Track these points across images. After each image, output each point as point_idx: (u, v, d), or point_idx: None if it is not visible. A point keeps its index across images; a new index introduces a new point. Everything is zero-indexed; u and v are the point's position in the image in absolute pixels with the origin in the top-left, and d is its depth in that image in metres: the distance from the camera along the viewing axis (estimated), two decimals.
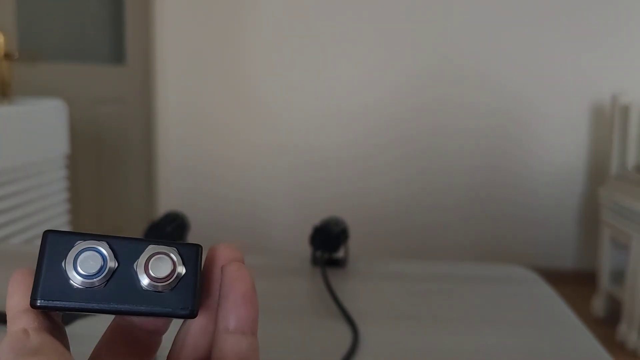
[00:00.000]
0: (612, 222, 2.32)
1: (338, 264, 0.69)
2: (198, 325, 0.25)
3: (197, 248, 0.23)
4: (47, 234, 0.22)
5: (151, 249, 0.23)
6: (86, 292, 0.22)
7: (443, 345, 0.52)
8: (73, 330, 0.43)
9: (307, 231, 0.69)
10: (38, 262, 0.22)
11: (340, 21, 2.83)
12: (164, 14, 2.90)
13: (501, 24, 2.76)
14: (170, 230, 0.65)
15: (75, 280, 0.22)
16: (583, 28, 2.72)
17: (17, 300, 0.22)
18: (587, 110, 2.78)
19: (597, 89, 2.75)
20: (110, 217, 2.66)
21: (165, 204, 3.02)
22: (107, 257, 0.22)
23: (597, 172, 2.76)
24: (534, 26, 2.74)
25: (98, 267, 0.22)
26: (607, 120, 2.60)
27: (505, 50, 2.77)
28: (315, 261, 0.69)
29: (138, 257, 0.22)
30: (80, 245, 0.22)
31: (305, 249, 0.70)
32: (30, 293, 0.22)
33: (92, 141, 2.49)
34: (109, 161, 2.63)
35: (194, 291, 0.23)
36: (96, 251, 0.22)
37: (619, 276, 2.33)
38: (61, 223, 1.81)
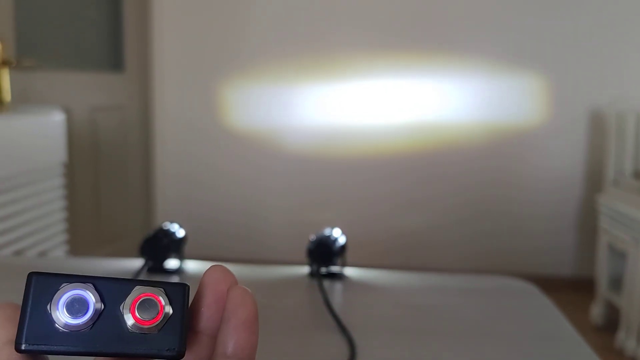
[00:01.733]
0: (609, 229, 2.32)
1: (335, 276, 0.69)
2: None
3: (184, 287, 0.23)
4: (31, 276, 0.22)
5: (138, 290, 0.22)
6: (71, 335, 0.22)
7: (439, 358, 0.51)
8: None
9: (305, 241, 0.69)
10: (23, 304, 0.22)
11: (340, 32, 2.84)
12: (162, 21, 2.91)
13: (499, 29, 2.77)
14: (166, 242, 0.65)
15: (61, 323, 0.21)
16: (580, 35, 2.73)
17: (2, 334, 0.22)
18: (584, 117, 2.78)
19: (594, 96, 2.76)
20: (108, 225, 2.66)
21: (162, 212, 3.02)
22: (93, 300, 0.22)
23: (595, 179, 2.77)
24: (531, 32, 2.75)
25: (84, 310, 0.22)
26: (605, 127, 2.60)
27: (502, 57, 2.78)
28: (312, 274, 0.69)
29: (124, 299, 0.22)
30: (65, 287, 0.22)
31: (303, 259, 0.70)
32: (14, 329, 0.21)
33: (90, 149, 2.49)
34: (107, 169, 2.63)
35: (180, 332, 0.23)
36: (82, 294, 0.22)
37: (617, 283, 2.33)
38: (58, 231, 1.81)
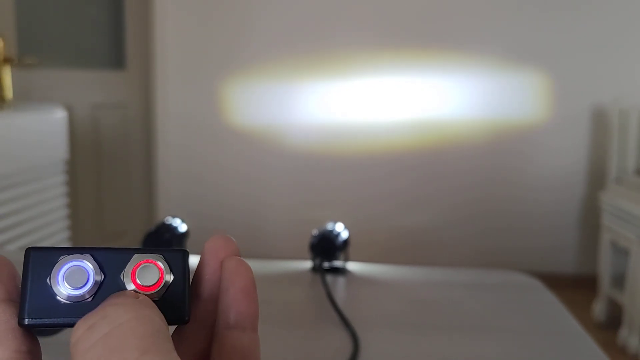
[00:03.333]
0: (612, 226, 2.32)
1: (338, 271, 0.69)
2: (191, 328, 0.24)
3: (184, 254, 0.23)
4: (29, 251, 0.22)
5: (137, 257, 0.22)
6: (74, 306, 0.21)
7: (443, 354, 0.51)
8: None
9: (308, 237, 0.69)
10: (22, 280, 0.21)
11: (342, 30, 2.83)
12: (163, 18, 2.91)
13: (500, 25, 2.76)
14: (168, 237, 0.65)
15: (62, 295, 0.21)
16: (583, 32, 2.72)
17: None
18: (587, 114, 2.78)
19: (596, 93, 2.75)
20: (110, 222, 2.66)
21: (164, 209, 3.02)
22: (93, 270, 0.22)
23: (597, 176, 2.76)
24: (534, 28, 2.74)
25: (84, 280, 0.21)
26: (607, 124, 2.60)
27: (504, 53, 2.77)
28: (315, 268, 0.68)
29: (124, 267, 0.22)
30: (64, 259, 0.22)
31: (306, 255, 0.69)
32: (5, 285, 0.21)
33: (91, 146, 2.49)
34: (109, 166, 2.63)
35: (183, 298, 0.23)
36: (81, 265, 0.22)
37: (619, 280, 2.32)
38: (60, 228, 1.81)
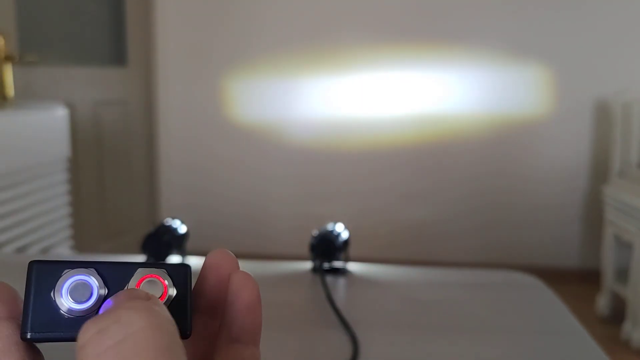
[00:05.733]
0: (615, 220, 2.31)
1: (338, 271, 0.69)
2: (189, 341, 0.24)
3: (186, 268, 0.23)
4: (32, 264, 0.22)
5: (140, 272, 0.22)
6: (77, 320, 0.21)
7: (443, 354, 0.51)
8: None
9: (309, 234, 0.69)
10: (26, 293, 0.21)
11: (340, 27, 2.83)
12: (165, 14, 2.90)
13: (503, 20, 2.75)
14: (167, 239, 0.65)
15: (65, 309, 0.21)
16: (587, 24, 2.71)
17: None
18: (590, 107, 2.76)
19: (599, 87, 2.74)
20: (113, 220, 2.66)
21: (167, 206, 3.02)
22: (97, 284, 0.22)
23: (601, 170, 2.75)
24: (537, 22, 2.73)
25: (88, 295, 0.21)
26: (610, 118, 2.59)
27: (507, 47, 2.76)
28: (315, 269, 0.68)
29: (128, 282, 0.22)
30: (68, 274, 0.22)
31: (308, 253, 0.69)
32: (6, 304, 0.21)
33: (94, 143, 2.49)
34: (111, 163, 2.63)
35: (185, 312, 0.23)
36: (85, 279, 0.22)
37: (623, 274, 2.32)
38: (63, 226, 1.81)
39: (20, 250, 1.58)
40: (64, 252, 1.77)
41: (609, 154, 2.53)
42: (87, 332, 0.19)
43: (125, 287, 0.22)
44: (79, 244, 2.12)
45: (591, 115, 2.77)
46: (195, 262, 0.71)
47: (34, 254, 1.56)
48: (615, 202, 2.31)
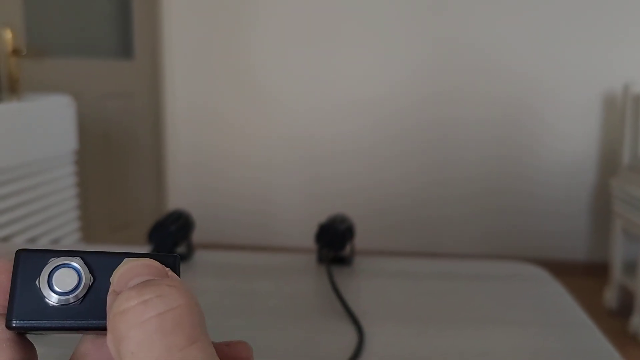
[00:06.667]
0: (624, 213, 2.30)
1: (344, 262, 0.68)
2: None
3: (175, 259, 0.23)
4: (19, 252, 0.21)
5: (127, 261, 0.22)
6: (62, 309, 0.21)
7: (449, 346, 0.51)
8: None
9: (316, 226, 0.69)
10: (12, 282, 0.21)
11: (347, 12, 2.81)
12: (171, 7, 2.90)
13: (511, 11, 2.73)
14: (173, 229, 0.65)
15: (51, 298, 0.21)
16: (595, 16, 2.68)
17: None
18: (598, 99, 2.75)
19: (609, 78, 2.72)
20: (120, 213, 2.67)
21: (174, 199, 3.03)
22: (82, 273, 0.21)
23: (609, 163, 2.74)
24: (545, 13, 2.71)
25: (74, 283, 0.21)
26: (619, 110, 2.57)
27: (515, 38, 2.74)
28: (320, 259, 0.68)
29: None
30: (53, 262, 0.21)
31: (314, 244, 0.69)
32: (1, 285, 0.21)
33: (100, 136, 2.50)
34: (118, 156, 2.64)
35: None
36: (71, 267, 0.21)
37: (631, 267, 2.31)
38: (70, 219, 1.82)
39: (30, 241, 1.59)
40: (72, 244, 1.78)
41: (617, 147, 2.51)
42: (130, 300, 0.19)
43: (111, 277, 0.22)
44: (87, 236, 2.13)
45: (600, 108, 2.75)
46: (201, 253, 0.71)
47: (45, 244, 1.57)
48: (624, 195, 2.29)
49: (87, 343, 0.23)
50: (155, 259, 0.22)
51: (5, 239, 1.53)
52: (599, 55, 2.71)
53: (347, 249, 0.68)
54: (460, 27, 2.76)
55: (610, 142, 2.74)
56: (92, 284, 0.22)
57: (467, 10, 2.74)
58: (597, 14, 2.68)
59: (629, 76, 2.63)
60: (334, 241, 0.66)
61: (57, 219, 1.75)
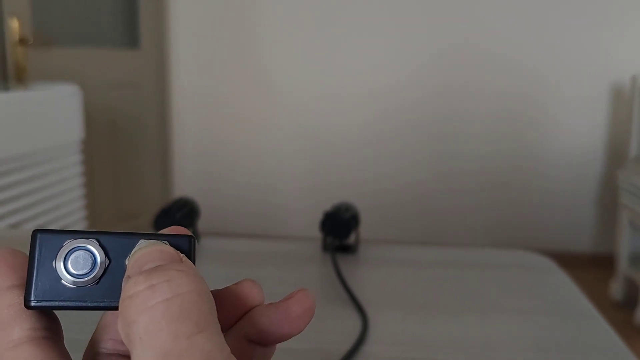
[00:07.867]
0: (630, 204, 2.29)
1: (349, 250, 0.68)
2: None
3: (190, 239, 0.23)
4: (35, 233, 0.22)
5: (142, 243, 0.22)
6: (79, 290, 0.22)
7: (453, 334, 0.51)
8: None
9: (320, 215, 0.69)
10: (29, 262, 0.22)
11: (355, 4, 2.80)
12: None
13: (518, 4, 2.71)
14: (179, 217, 0.65)
15: (67, 279, 0.21)
16: (602, 7, 2.66)
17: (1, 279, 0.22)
18: (606, 91, 2.73)
19: (616, 70, 2.70)
20: (126, 202, 2.68)
21: (180, 188, 3.04)
22: (98, 255, 0.22)
23: (616, 154, 2.72)
24: (552, 6, 2.69)
25: (89, 265, 0.22)
26: (627, 102, 2.55)
27: (522, 31, 2.72)
28: (325, 247, 0.68)
29: (129, 252, 0.22)
30: (69, 244, 0.22)
31: (319, 234, 0.69)
32: (12, 273, 0.22)
33: (106, 126, 2.50)
34: (124, 146, 2.64)
35: None
36: (86, 249, 0.22)
37: (637, 259, 2.30)
38: (76, 208, 1.83)
39: None
40: None
41: (624, 139, 2.50)
42: (138, 284, 0.19)
43: (127, 258, 0.22)
44: (93, 225, 2.14)
45: (607, 99, 2.73)
46: (207, 241, 0.71)
47: None
48: (631, 187, 2.28)
49: (109, 315, 0.24)
50: (169, 240, 0.22)
51: (13, 227, 1.54)
52: (606, 48, 2.69)
53: (352, 237, 0.68)
54: (468, 20, 2.74)
55: (617, 134, 2.73)
56: (107, 265, 0.22)
57: (475, 3, 2.72)
58: (604, 6, 2.66)
59: (636, 68, 2.61)
60: (339, 229, 0.66)
61: (64, 207, 1.76)
